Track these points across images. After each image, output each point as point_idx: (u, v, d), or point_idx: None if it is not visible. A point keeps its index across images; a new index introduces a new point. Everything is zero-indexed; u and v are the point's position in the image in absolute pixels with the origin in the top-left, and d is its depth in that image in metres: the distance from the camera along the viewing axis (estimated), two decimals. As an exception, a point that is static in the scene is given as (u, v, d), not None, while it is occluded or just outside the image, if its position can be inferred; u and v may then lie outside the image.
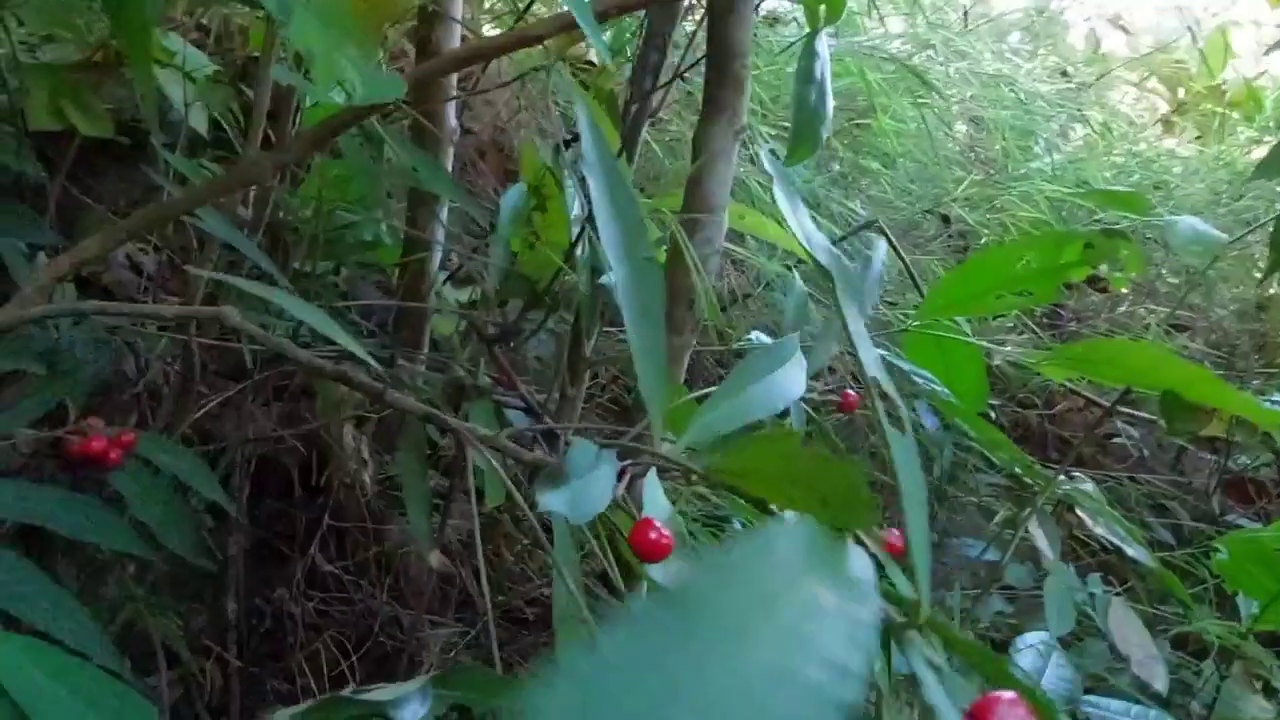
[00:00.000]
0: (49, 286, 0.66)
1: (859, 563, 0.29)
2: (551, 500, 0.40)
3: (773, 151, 1.36)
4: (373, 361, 0.54)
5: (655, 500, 0.46)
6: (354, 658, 1.19)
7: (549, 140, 1.66)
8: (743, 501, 0.46)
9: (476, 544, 0.54)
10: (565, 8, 0.61)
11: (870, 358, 0.35)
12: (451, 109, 1.11)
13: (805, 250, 0.48)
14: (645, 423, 0.58)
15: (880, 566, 0.34)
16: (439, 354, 0.99)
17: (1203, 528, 1.35)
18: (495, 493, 0.79)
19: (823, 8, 0.84)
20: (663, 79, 0.95)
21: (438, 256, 1.20)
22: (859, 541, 0.33)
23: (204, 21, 1.51)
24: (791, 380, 0.56)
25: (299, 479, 1.26)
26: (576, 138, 0.91)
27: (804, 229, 0.39)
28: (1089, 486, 0.86)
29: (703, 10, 0.93)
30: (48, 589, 0.64)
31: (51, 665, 0.48)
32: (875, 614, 0.25)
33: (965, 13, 2.17)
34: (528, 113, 1.57)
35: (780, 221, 1.33)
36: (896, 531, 0.57)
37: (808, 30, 0.86)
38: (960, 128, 2.01)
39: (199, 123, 1.30)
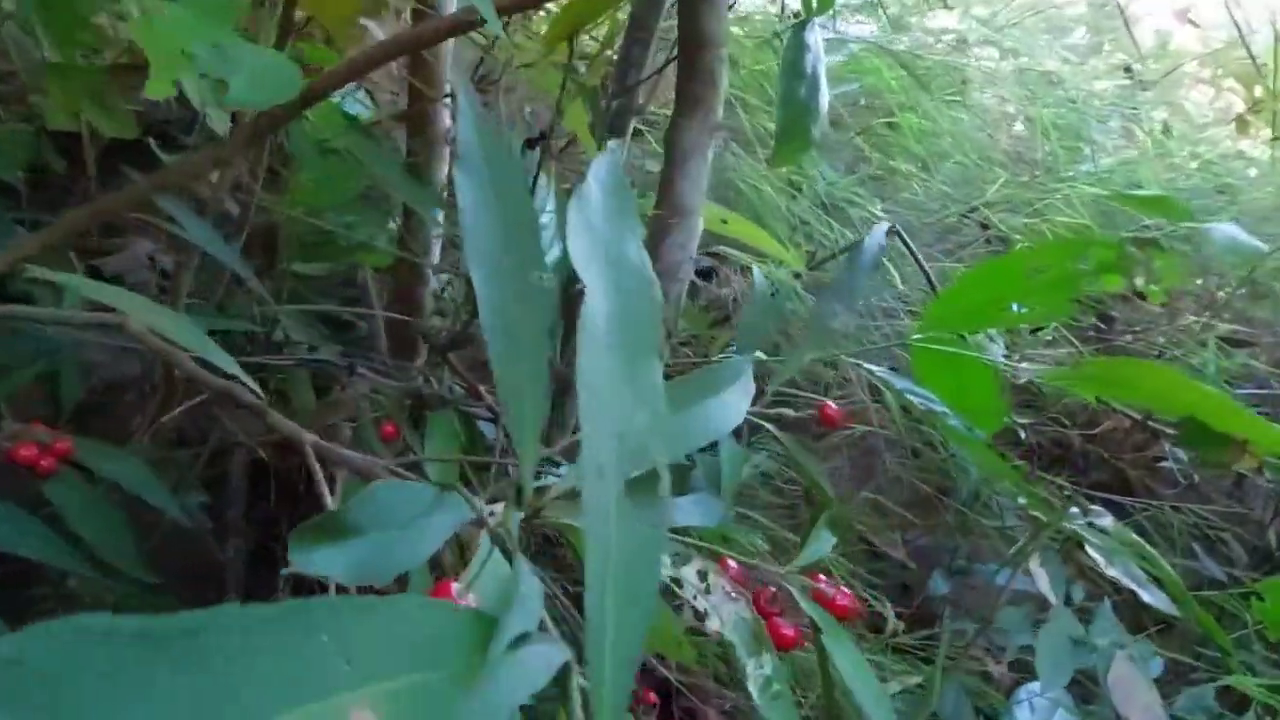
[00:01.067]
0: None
1: (493, 687, 0.21)
2: (313, 559, 0.34)
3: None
4: (251, 381, 0.50)
5: (480, 559, 0.39)
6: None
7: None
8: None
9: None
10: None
11: (646, 416, 0.28)
12: (444, 109, 1.07)
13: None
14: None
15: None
16: (401, 363, 0.94)
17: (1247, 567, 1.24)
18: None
19: (812, -5, 0.77)
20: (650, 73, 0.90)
21: (435, 258, 1.17)
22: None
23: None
24: (728, 410, 0.50)
25: (277, 484, 1.24)
26: (543, 135, 0.86)
27: (589, 247, 0.33)
28: (1107, 521, 0.78)
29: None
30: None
31: None
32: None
33: (1019, 9, 2.06)
34: (525, 107, 1.52)
35: (795, 233, 1.27)
36: (847, 591, 0.51)
37: (796, 20, 0.80)
38: (1007, 128, 1.90)
39: (220, 123, 1.29)
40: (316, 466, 0.45)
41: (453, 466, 0.74)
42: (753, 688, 0.42)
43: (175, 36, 0.40)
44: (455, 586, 0.36)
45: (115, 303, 0.48)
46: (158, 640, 0.16)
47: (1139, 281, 0.86)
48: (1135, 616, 1.19)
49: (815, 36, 0.80)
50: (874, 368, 0.79)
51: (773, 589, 0.47)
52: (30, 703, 0.14)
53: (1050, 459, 1.45)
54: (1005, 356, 0.98)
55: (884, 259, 1.37)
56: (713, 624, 0.41)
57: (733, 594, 0.44)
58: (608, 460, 0.27)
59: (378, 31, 0.94)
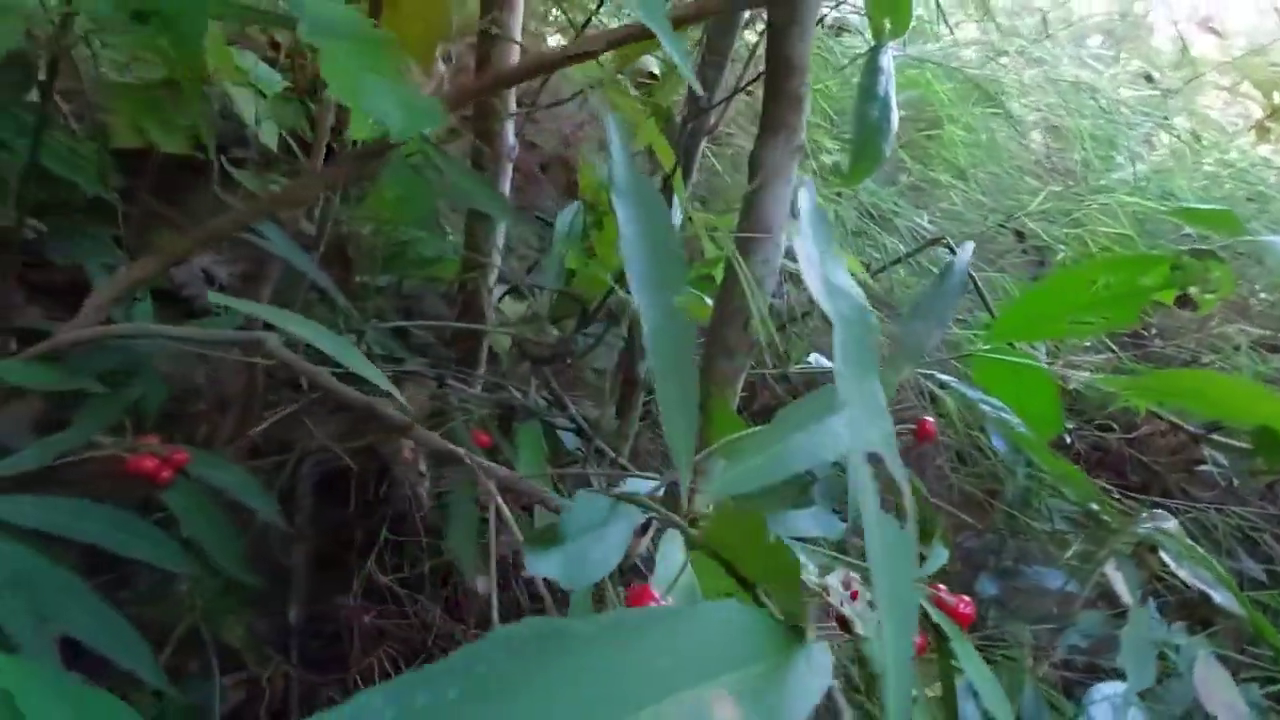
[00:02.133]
0: (106, 306, 0.68)
1: (801, 677, 0.25)
2: (541, 564, 0.37)
3: (835, 171, 1.33)
4: (401, 397, 0.53)
5: (670, 563, 0.42)
6: (409, 671, 1.20)
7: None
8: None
9: (490, 570, 0.53)
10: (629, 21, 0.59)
11: (877, 432, 0.31)
12: (510, 127, 1.10)
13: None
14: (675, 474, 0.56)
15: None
16: (492, 374, 0.98)
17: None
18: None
19: (888, 22, 0.80)
20: (723, 94, 0.93)
21: (494, 272, 1.20)
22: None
23: (276, 38, 1.54)
24: (843, 430, 0.53)
25: (359, 490, 1.27)
26: (637, 153, 0.89)
27: (825, 281, 0.36)
28: (1171, 525, 0.81)
29: (764, 24, 0.91)
30: (97, 608, 0.65)
31: (63, 690, 0.48)
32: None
33: (1044, 18, 2.09)
34: (592, 126, 1.56)
35: (845, 245, 1.30)
36: (967, 599, 0.54)
37: (872, 44, 0.83)
38: (1036, 137, 1.93)
39: (270, 138, 1.33)
40: (490, 487, 0.48)
41: (547, 476, 0.77)
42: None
43: (353, 72, 0.43)
44: (654, 592, 0.40)
45: (275, 321, 0.51)
46: (570, 639, 0.19)
47: (1193, 291, 0.88)
48: (1172, 617, 1.21)
49: (888, 60, 0.84)
50: (945, 377, 0.83)
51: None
52: (490, 684, 0.18)
53: (1091, 462, 1.48)
54: (1049, 363, 1.02)
55: (931, 266, 1.41)
56: (858, 629, 0.44)
57: (872, 603, 0.47)
58: (865, 476, 0.30)
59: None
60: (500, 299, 1.27)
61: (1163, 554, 0.73)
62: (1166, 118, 1.88)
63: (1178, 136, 1.88)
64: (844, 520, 0.65)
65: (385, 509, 1.19)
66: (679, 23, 0.86)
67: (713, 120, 0.91)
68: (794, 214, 0.39)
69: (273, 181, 1.25)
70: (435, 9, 0.83)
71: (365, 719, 0.17)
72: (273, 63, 1.43)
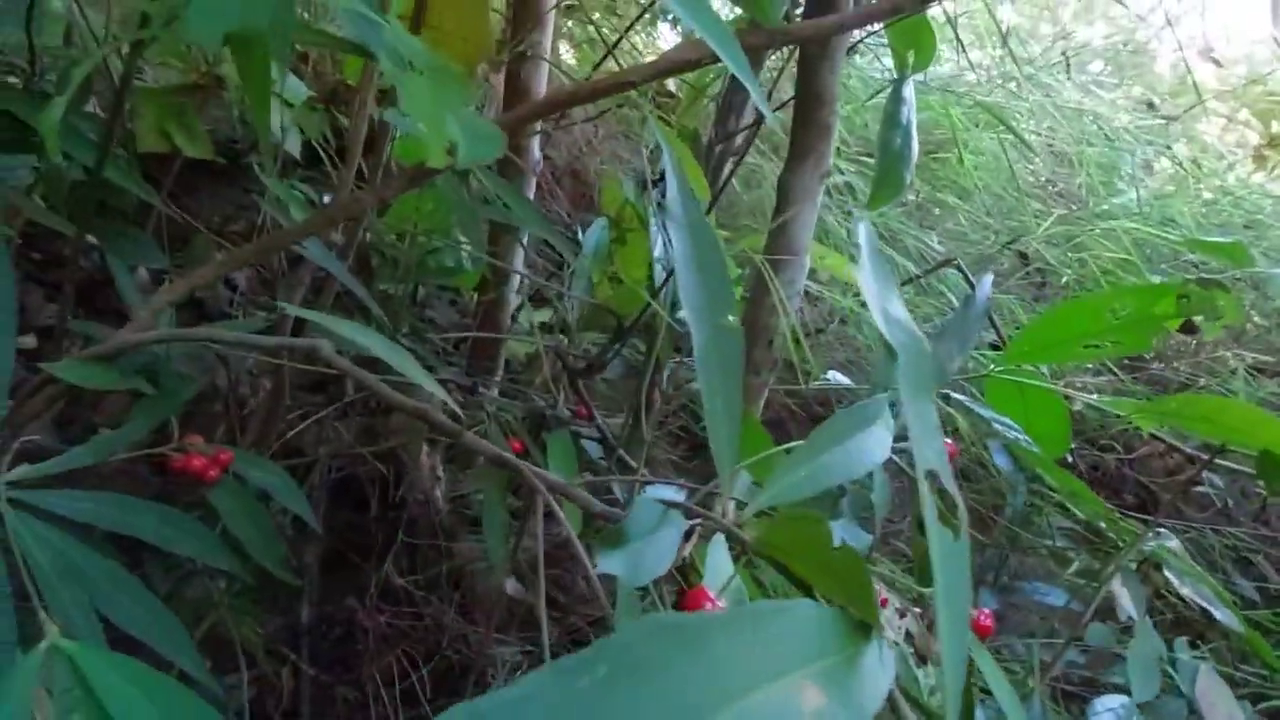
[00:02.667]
0: (162, 309, 0.70)
1: (874, 669, 0.28)
2: (609, 563, 0.41)
3: (846, 190, 1.36)
4: (453, 403, 0.56)
5: (717, 566, 0.46)
6: (423, 670, 1.22)
7: (625, 165, 1.68)
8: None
9: (539, 573, 0.55)
10: (656, 48, 0.62)
11: (933, 451, 0.34)
12: (536, 142, 1.13)
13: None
14: (715, 482, 0.59)
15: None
16: (515, 381, 1.01)
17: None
18: (575, 521, 0.80)
19: (911, 54, 0.84)
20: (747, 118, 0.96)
21: (516, 282, 1.23)
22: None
23: (298, 46, 1.57)
24: (875, 443, 0.56)
25: (375, 492, 1.29)
26: (663, 176, 0.92)
27: (885, 313, 0.39)
28: (1174, 544, 0.84)
29: (784, 50, 0.94)
30: (144, 598, 0.67)
31: (132, 673, 0.51)
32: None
33: (1053, 44, 2.14)
34: (604, 140, 1.59)
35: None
36: (987, 612, 0.57)
37: (896, 74, 0.86)
38: (1040, 160, 1.97)
39: (293, 146, 1.36)
40: (544, 492, 0.51)
41: (575, 481, 0.80)
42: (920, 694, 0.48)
43: (433, 105, 0.46)
44: (710, 593, 0.43)
45: (339, 332, 0.54)
46: (699, 629, 0.22)
47: (1198, 318, 0.92)
48: (1166, 633, 1.25)
49: (910, 91, 0.87)
50: (961, 398, 0.86)
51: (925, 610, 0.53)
52: (635, 665, 0.21)
53: (1090, 481, 1.51)
54: (1053, 383, 1.05)
55: (939, 286, 1.44)
56: (888, 635, 0.47)
57: (901, 611, 0.50)
58: (927, 492, 0.33)
59: (497, 81, 1.01)
60: (519, 308, 1.30)
61: (1166, 571, 0.76)
62: (1169, 146, 1.93)
63: (1179, 164, 1.92)
64: (869, 532, 0.68)
65: (399, 512, 1.22)
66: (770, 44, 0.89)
67: (739, 143, 0.94)
68: (855, 254, 0.42)
69: (293, 186, 1.28)
70: (477, 28, 0.86)
71: (535, 697, 0.20)
72: (296, 71, 1.46)
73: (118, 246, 0.92)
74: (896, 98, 0.86)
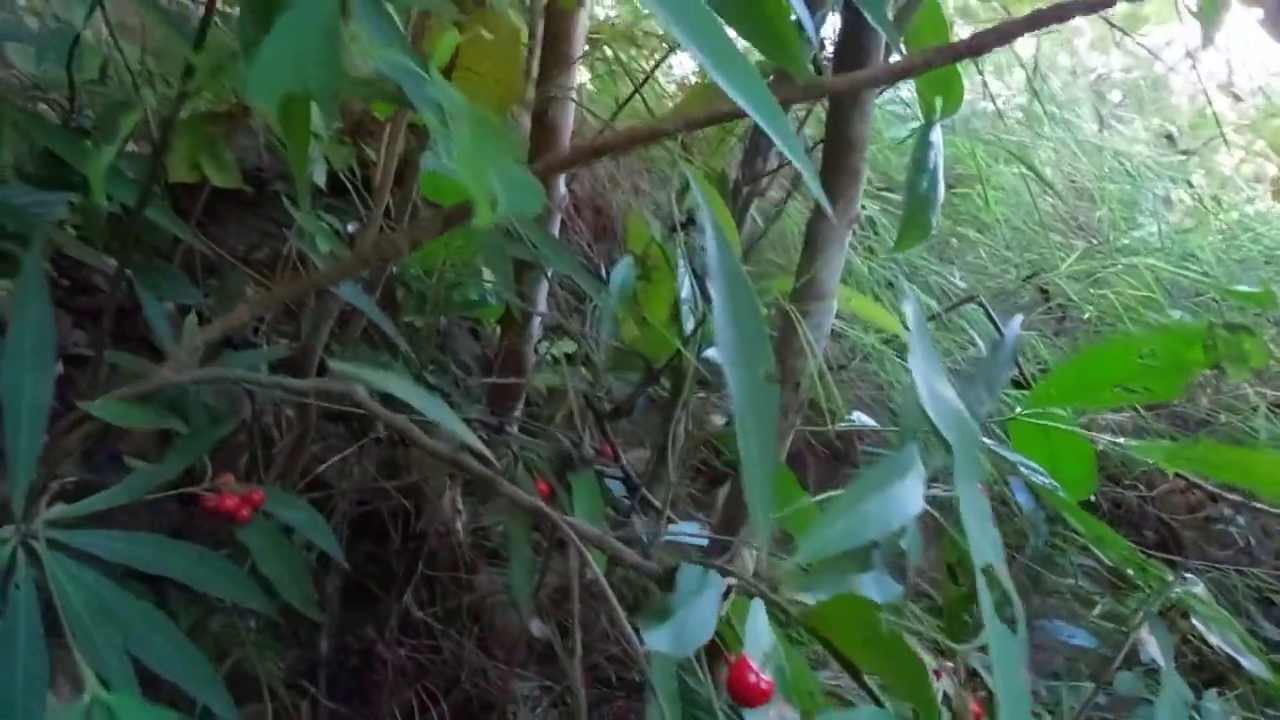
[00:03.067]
0: (200, 350, 0.71)
1: None
2: (656, 639, 0.41)
3: (868, 226, 1.36)
4: (487, 451, 0.56)
5: (757, 633, 0.46)
6: (442, 704, 1.22)
7: (647, 198, 1.69)
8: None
9: (574, 623, 0.55)
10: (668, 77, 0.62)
11: (989, 543, 0.35)
12: (562, 179, 1.14)
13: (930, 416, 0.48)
14: (745, 529, 0.59)
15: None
16: (535, 416, 1.01)
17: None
18: (600, 560, 0.80)
19: (939, 99, 0.84)
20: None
21: (538, 318, 1.24)
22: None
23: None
24: (909, 495, 0.56)
25: (395, 524, 1.30)
26: (692, 220, 0.93)
27: (933, 393, 0.40)
28: (1200, 589, 0.83)
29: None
30: (174, 638, 0.68)
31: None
32: None
33: (1082, 86, 2.15)
34: (627, 173, 1.60)
35: (880, 299, 1.34)
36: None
37: (923, 119, 0.87)
38: (1060, 194, 1.98)
39: (319, 176, 1.37)
40: (579, 543, 0.51)
41: (602, 523, 0.80)
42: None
43: (481, 158, 0.47)
44: (753, 663, 0.43)
45: (378, 384, 0.54)
46: None
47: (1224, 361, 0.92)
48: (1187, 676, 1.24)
49: (938, 135, 0.88)
50: (987, 441, 0.86)
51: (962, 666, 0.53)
52: None
53: (1111, 519, 1.50)
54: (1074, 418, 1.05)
55: (960, 321, 1.44)
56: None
57: (937, 672, 0.50)
58: (985, 589, 0.33)
59: (524, 119, 1.02)
60: (539, 342, 1.31)
61: (1194, 619, 0.76)
62: (1190, 182, 1.93)
63: (1199, 200, 1.92)
64: (900, 584, 0.68)
65: (420, 543, 1.22)
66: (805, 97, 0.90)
67: (764, 185, 0.95)
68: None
69: (319, 216, 1.30)
70: (510, 72, 0.87)
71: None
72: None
73: (149, 280, 0.93)
74: (924, 143, 0.86)
